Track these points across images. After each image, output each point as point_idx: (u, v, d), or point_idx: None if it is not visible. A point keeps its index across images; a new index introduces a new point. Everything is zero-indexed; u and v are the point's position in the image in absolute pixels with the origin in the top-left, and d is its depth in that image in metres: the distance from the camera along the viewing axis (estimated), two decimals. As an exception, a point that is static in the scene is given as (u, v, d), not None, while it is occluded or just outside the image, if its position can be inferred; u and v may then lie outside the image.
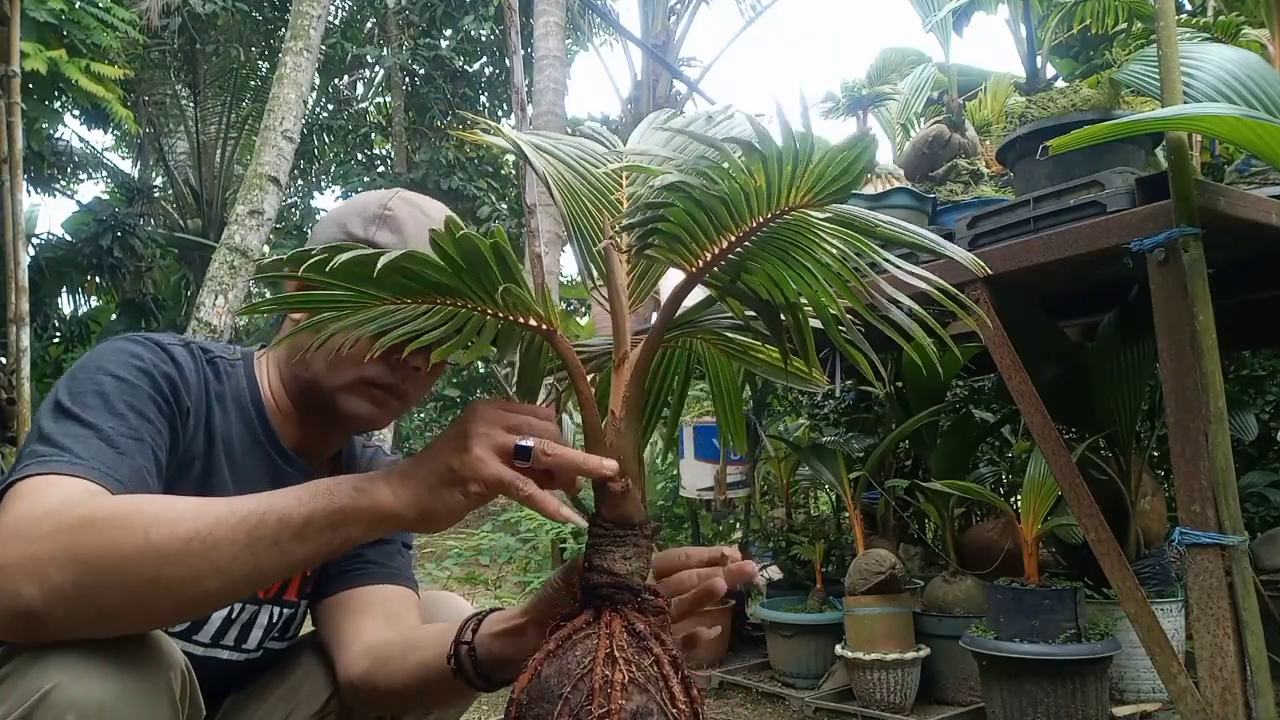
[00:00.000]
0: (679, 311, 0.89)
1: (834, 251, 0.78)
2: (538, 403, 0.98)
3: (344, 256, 0.74)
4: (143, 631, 0.84)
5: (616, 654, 0.79)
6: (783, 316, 0.86)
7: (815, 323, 0.86)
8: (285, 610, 1.22)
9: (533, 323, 0.85)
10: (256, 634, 1.19)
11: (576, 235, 0.94)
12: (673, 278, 0.89)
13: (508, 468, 0.81)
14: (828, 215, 0.76)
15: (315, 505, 0.83)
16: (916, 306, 0.80)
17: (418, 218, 1.14)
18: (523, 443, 0.81)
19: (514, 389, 1.00)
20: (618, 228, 0.89)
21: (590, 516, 0.86)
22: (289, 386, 1.16)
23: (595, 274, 0.93)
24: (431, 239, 0.75)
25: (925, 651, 2.57)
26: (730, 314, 0.91)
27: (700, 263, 0.82)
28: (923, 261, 1.85)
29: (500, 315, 0.84)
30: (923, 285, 0.79)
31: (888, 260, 0.78)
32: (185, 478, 1.05)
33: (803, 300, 0.84)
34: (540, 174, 0.90)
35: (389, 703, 1.10)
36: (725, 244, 0.80)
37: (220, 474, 1.09)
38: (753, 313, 0.88)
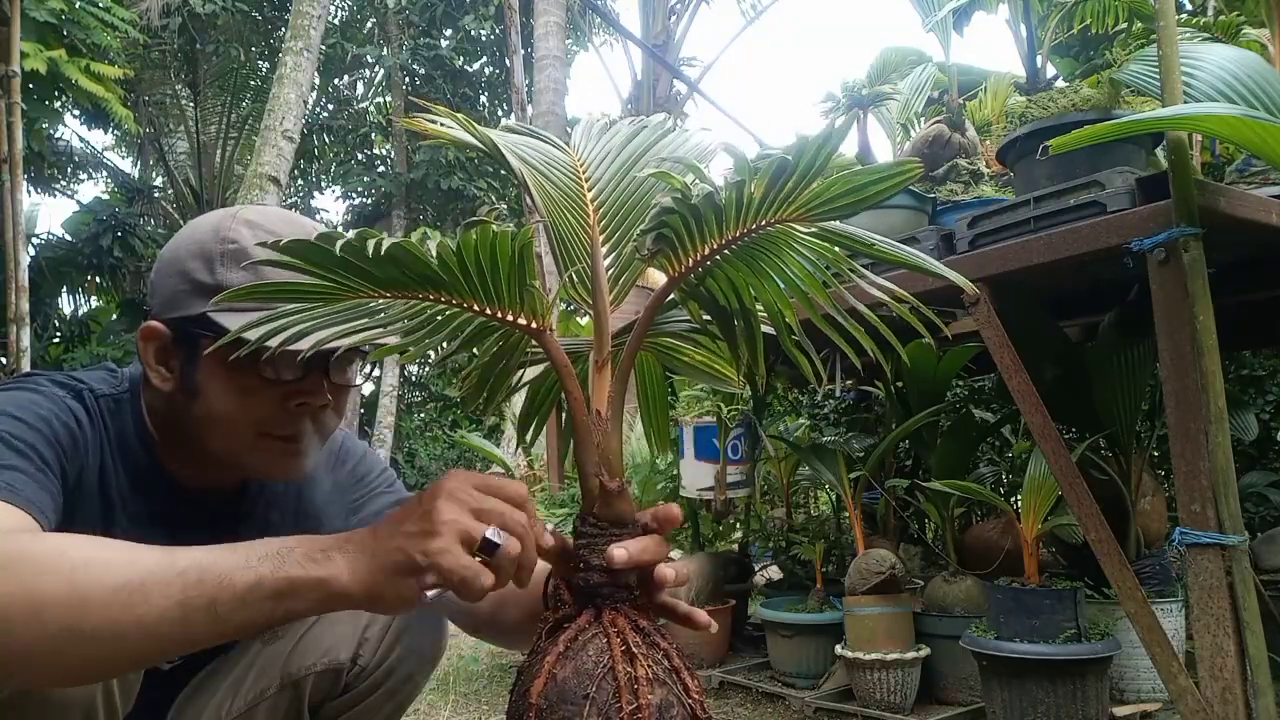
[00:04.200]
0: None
1: (803, 264, 0.79)
2: (497, 401, 0.98)
3: (348, 239, 0.73)
4: (35, 688, 0.79)
5: (634, 650, 0.79)
6: (736, 321, 0.87)
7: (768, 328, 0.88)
8: None
9: (522, 321, 0.85)
10: None
11: (555, 237, 0.94)
12: (654, 278, 0.89)
13: (470, 560, 0.76)
14: (813, 230, 0.77)
15: (263, 570, 0.75)
16: (874, 316, 0.82)
17: (267, 242, 1.02)
18: (492, 538, 0.77)
19: (465, 384, 0.98)
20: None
21: (581, 516, 0.85)
22: (186, 445, 1.07)
23: (574, 274, 0.94)
24: (461, 235, 0.74)
25: (925, 651, 2.56)
26: (687, 318, 0.92)
27: (682, 267, 0.82)
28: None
29: (486, 313, 0.84)
30: (885, 298, 0.80)
31: (853, 272, 0.79)
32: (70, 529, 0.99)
33: (758, 307, 0.85)
34: (518, 173, 0.90)
35: (512, 634, 1.17)
36: (708, 249, 0.80)
37: (108, 524, 1.02)
38: (709, 317, 0.89)
